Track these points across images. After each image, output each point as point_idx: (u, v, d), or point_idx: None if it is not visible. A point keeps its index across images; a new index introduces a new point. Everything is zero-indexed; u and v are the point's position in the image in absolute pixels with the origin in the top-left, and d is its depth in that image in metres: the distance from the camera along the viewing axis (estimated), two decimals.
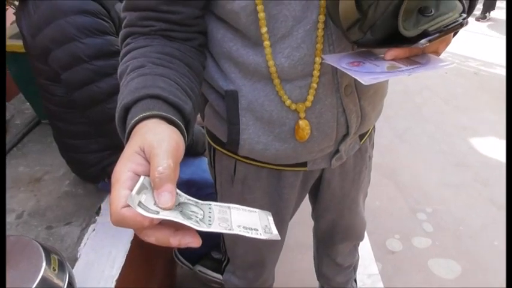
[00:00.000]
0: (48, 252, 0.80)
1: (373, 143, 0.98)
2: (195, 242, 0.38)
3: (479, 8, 4.63)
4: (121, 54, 0.62)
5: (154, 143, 0.40)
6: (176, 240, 0.38)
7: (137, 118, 0.46)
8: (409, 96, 3.12)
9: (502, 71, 3.45)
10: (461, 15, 0.54)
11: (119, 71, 0.59)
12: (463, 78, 3.35)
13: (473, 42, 4.01)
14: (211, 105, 0.78)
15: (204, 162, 1.33)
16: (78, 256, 1.04)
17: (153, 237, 0.38)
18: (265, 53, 0.65)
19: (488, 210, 2.05)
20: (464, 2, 0.62)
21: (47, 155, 1.40)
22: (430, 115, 2.85)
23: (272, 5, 0.61)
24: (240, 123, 0.73)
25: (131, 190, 0.37)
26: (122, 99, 0.50)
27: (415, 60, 0.57)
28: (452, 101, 3.01)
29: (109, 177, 1.21)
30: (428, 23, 0.53)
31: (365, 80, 0.52)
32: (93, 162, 1.18)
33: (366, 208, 1.13)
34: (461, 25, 0.54)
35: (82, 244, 1.07)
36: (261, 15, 0.61)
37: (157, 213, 0.36)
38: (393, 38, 0.55)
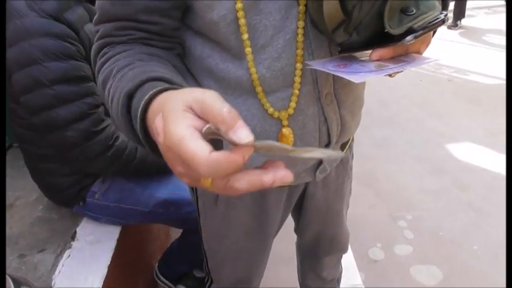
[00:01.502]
0: (18, 285, 0.77)
1: (353, 154, 0.99)
2: (288, 176, 0.36)
3: (449, 16, 4.76)
4: (98, 65, 0.60)
5: (199, 97, 0.36)
6: (270, 177, 0.35)
7: (151, 93, 0.43)
8: (386, 104, 3.16)
9: (475, 77, 3.54)
10: (441, 13, 0.56)
11: (101, 78, 0.57)
12: (437, 86, 3.42)
13: (446, 50, 4.11)
14: None
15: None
16: (52, 285, 1.00)
17: (245, 181, 0.35)
18: (247, 60, 0.64)
19: (466, 214, 2.08)
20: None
21: (18, 180, 1.36)
22: (407, 122, 2.90)
23: (251, 14, 0.60)
24: (223, 142, 0.72)
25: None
26: (122, 88, 0.48)
27: (401, 59, 0.58)
28: (428, 108, 3.07)
29: (84, 201, 1.19)
30: (412, 21, 0.55)
31: (355, 78, 0.53)
32: (66, 186, 1.15)
33: (348, 218, 1.14)
34: (443, 21, 0.56)
35: (57, 272, 1.04)
36: (242, 21, 0.60)
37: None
38: (378, 38, 0.56)
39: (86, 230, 1.21)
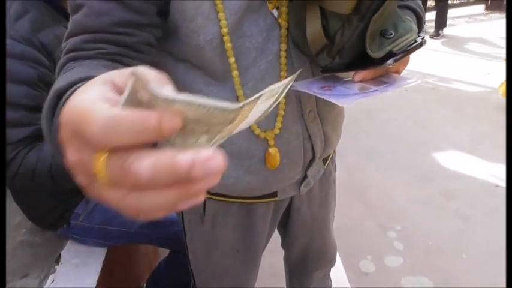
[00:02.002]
0: None
1: (335, 166, 1.00)
2: (218, 162, 0.23)
3: (432, 26, 4.85)
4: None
5: (125, 71, 0.28)
6: (187, 158, 0.22)
7: (74, 88, 0.36)
8: (372, 114, 3.19)
9: (458, 86, 3.60)
10: (419, 36, 0.58)
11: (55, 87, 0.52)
12: (421, 94, 3.46)
13: (429, 59, 4.17)
14: None
15: None
16: None
17: (149, 161, 0.22)
18: (233, 83, 0.65)
19: (454, 223, 2.09)
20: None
21: None
22: (393, 132, 2.92)
23: (235, 37, 0.61)
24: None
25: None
26: (54, 86, 0.41)
27: (382, 80, 0.60)
28: (413, 117, 3.10)
29: (68, 223, 1.17)
30: (391, 44, 0.56)
31: (341, 101, 0.54)
32: (49, 208, 1.13)
33: (338, 230, 1.13)
34: (421, 45, 0.57)
35: None
36: (228, 45, 0.61)
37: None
38: (360, 61, 0.58)
39: (71, 253, 1.18)
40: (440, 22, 4.78)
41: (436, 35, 4.77)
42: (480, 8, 5.70)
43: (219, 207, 0.83)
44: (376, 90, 0.56)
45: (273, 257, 1.40)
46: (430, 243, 1.97)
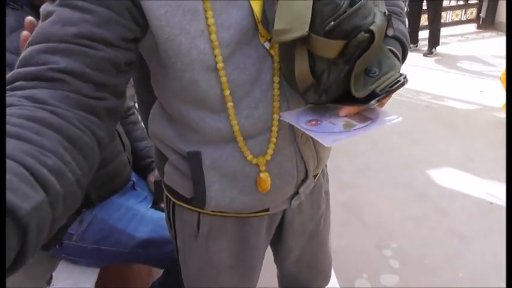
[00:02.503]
0: None
1: (327, 178, 1.02)
2: None
3: (425, 44, 4.92)
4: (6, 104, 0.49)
5: None
6: None
7: None
8: None
9: (452, 103, 3.63)
10: (401, 75, 0.60)
11: None
12: (416, 112, 3.49)
13: (423, 77, 4.22)
14: (172, 163, 0.78)
15: (163, 218, 1.30)
16: None
17: None
18: (228, 113, 0.67)
19: (450, 241, 2.09)
20: (399, 55, 0.68)
21: None
22: (388, 149, 2.94)
23: (230, 69, 0.63)
24: (205, 182, 0.74)
25: None
26: None
27: (366, 115, 0.63)
28: (408, 134, 3.12)
29: (60, 243, 1.16)
30: (375, 83, 0.58)
31: (327, 141, 0.57)
32: None
33: (333, 248, 1.13)
34: (402, 84, 0.59)
35: None
36: (221, 78, 0.63)
37: None
38: (345, 98, 0.60)
39: (63, 273, 1.17)
40: (434, 41, 4.85)
41: (429, 53, 4.83)
42: (472, 26, 5.80)
43: (213, 222, 0.84)
44: (360, 128, 0.59)
45: (269, 275, 1.39)
46: (426, 262, 1.96)
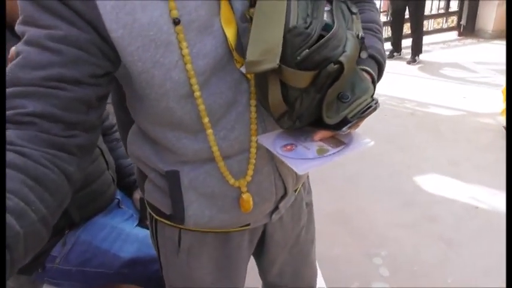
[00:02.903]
0: None
1: (309, 189, 1.02)
2: None
3: (408, 52, 5.00)
4: None
5: None
6: None
7: None
8: None
9: (437, 110, 3.68)
10: (373, 99, 0.61)
11: None
12: (401, 119, 3.53)
13: (407, 85, 4.28)
14: (151, 181, 0.79)
15: (149, 236, 1.29)
16: None
17: None
18: (208, 140, 0.68)
19: (438, 247, 2.10)
20: (374, 74, 0.68)
21: None
22: (376, 157, 2.96)
23: (205, 95, 0.64)
24: (184, 201, 0.75)
25: None
26: None
27: (340, 139, 0.64)
28: (394, 141, 3.15)
29: (43, 267, 1.14)
30: (347, 109, 0.59)
31: (299, 169, 0.58)
32: None
33: (323, 257, 1.13)
34: (374, 109, 0.60)
35: None
36: (196, 104, 0.64)
37: None
38: (319, 124, 0.61)
39: None
40: (416, 49, 4.94)
41: (413, 61, 4.91)
42: (453, 34, 5.91)
43: (194, 238, 0.84)
44: (334, 154, 0.60)
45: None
46: (415, 268, 1.97)
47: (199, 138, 0.68)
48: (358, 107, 0.59)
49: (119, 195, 1.41)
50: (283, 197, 0.82)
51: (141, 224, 1.37)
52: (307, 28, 0.54)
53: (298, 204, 0.95)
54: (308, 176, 0.99)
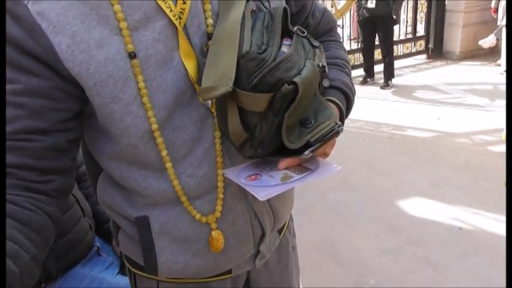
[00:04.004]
0: None
1: (294, 233, 0.99)
2: None
3: (381, 77, 5.13)
4: None
5: None
6: None
7: None
8: None
9: (413, 132, 3.75)
10: (337, 123, 0.60)
11: None
12: (379, 144, 3.58)
13: (383, 109, 4.37)
14: (124, 231, 0.76)
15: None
16: None
17: None
18: (169, 173, 0.66)
19: (426, 271, 2.09)
20: (342, 105, 0.68)
21: None
22: (357, 183, 2.97)
23: (168, 130, 0.63)
24: (156, 248, 0.72)
25: None
26: None
27: (306, 166, 0.62)
28: (374, 166, 3.18)
29: None
30: (310, 134, 0.59)
31: (261, 195, 0.57)
32: None
33: None
34: (337, 133, 0.60)
35: None
36: (159, 140, 0.63)
37: None
38: (282, 150, 0.60)
39: None
40: (389, 73, 5.07)
41: (386, 85, 5.03)
42: (422, 57, 6.11)
43: None
44: (297, 179, 0.59)
45: None
46: None
47: (166, 177, 0.66)
48: (321, 131, 0.59)
49: (98, 242, 1.36)
50: (262, 239, 0.80)
51: (122, 271, 1.32)
52: (260, 54, 0.55)
53: (284, 248, 0.92)
54: (292, 219, 0.97)
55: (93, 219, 1.37)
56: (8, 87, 0.55)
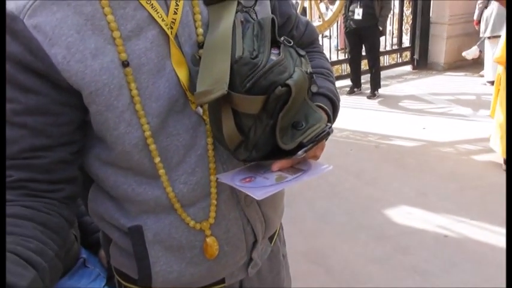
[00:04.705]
0: None
1: (284, 241, 1.00)
2: None
3: (368, 87, 5.20)
4: None
5: None
6: None
7: None
8: (322, 177, 3.27)
9: (399, 142, 3.80)
10: (327, 125, 0.63)
11: None
12: (366, 153, 3.62)
13: (370, 118, 4.43)
14: (116, 244, 0.76)
15: None
16: None
17: None
18: (162, 180, 0.67)
19: (414, 280, 2.11)
20: (328, 110, 0.71)
21: None
22: (345, 192, 3.00)
23: (161, 138, 0.64)
24: (150, 257, 0.72)
25: None
26: None
27: (299, 167, 0.64)
28: (362, 175, 3.21)
29: None
30: (302, 135, 0.61)
31: (257, 195, 0.58)
32: None
33: None
34: (328, 134, 0.62)
35: None
36: (152, 147, 0.64)
37: None
38: (276, 152, 0.62)
39: None
40: (375, 84, 5.14)
41: (373, 95, 5.10)
42: (408, 68, 6.22)
43: None
44: (292, 179, 0.61)
45: None
46: None
47: (159, 184, 0.67)
48: (312, 132, 0.61)
49: (84, 253, 1.34)
50: (254, 245, 0.80)
51: (110, 283, 1.31)
52: (253, 59, 0.57)
53: (276, 257, 0.93)
54: (282, 228, 0.98)
55: (78, 230, 1.35)
56: (8, 106, 0.58)
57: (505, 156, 3.00)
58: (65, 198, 0.64)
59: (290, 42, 0.65)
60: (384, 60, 5.96)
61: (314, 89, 0.66)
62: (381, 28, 4.92)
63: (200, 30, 0.64)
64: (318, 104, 0.69)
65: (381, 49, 5.48)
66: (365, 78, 5.33)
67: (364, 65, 5.35)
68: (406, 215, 2.67)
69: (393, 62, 6.15)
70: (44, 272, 0.53)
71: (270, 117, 0.59)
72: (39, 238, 0.56)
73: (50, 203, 0.61)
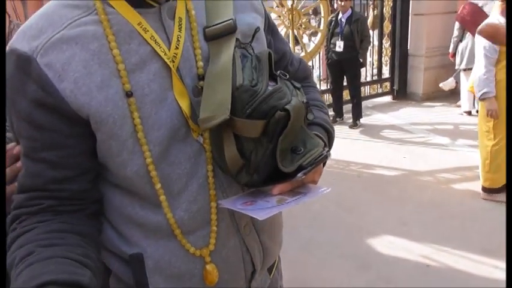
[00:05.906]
0: None
1: (282, 274, 1.01)
2: None
3: (350, 117, 5.31)
4: (8, 241, 0.64)
5: None
6: None
7: None
8: (306, 206, 3.29)
9: (380, 171, 3.87)
10: (324, 149, 0.67)
11: (7, 261, 0.61)
12: (348, 182, 3.66)
13: (351, 148, 4.50)
14: (116, 275, 0.77)
15: None
16: None
17: None
18: (163, 207, 0.69)
19: None
20: (324, 139, 0.75)
21: None
22: (328, 221, 3.01)
23: (163, 165, 0.67)
24: (150, 286, 0.73)
25: None
26: None
27: (298, 191, 0.67)
28: (344, 204, 3.24)
29: None
30: (301, 159, 0.64)
31: (260, 215, 0.61)
32: None
33: None
34: (326, 157, 0.66)
35: None
36: (153, 173, 0.67)
37: None
38: (276, 175, 0.65)
39: None
40: (357, 113, 5.26)
41: (354, 125, 5.20)
42: (388, 98, 6.39)
43: None
44: (292, 201, 0.64)
45: None
46: None
47: (161, 210, 0.69)
48: (311, 156, 0.64)
49: None
50: (253, 275, 0.81)
51: None
52: (253, 87, 0.61)
53: None
54: (280, 260, 0.99)
55: None
56: (27, 144, 0.65)
57: (485, 185, 3.09)
58: (92, 215, 0.70)
59: (286, 76, 0.69)
60: (365, 90, 6.11)
61: (310, 117, 0.70)
62: (361, 60, 5.07)
63: (200, 64, 0.69)
64: (315, 133, 0.73)
65: (362, 80, 5.63)
66: (347, 108, 5.45)
67: (346, 95, 5.48)
68: (389, 244, 2.69)
69: (374, 93, 6.30)
70: (95, 271, 0.60)
71: (270, 141, 0.63)
72: (82, 245, 0.63)
73: (80, 218, 0.67)
